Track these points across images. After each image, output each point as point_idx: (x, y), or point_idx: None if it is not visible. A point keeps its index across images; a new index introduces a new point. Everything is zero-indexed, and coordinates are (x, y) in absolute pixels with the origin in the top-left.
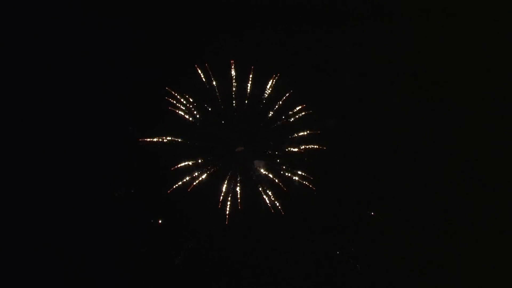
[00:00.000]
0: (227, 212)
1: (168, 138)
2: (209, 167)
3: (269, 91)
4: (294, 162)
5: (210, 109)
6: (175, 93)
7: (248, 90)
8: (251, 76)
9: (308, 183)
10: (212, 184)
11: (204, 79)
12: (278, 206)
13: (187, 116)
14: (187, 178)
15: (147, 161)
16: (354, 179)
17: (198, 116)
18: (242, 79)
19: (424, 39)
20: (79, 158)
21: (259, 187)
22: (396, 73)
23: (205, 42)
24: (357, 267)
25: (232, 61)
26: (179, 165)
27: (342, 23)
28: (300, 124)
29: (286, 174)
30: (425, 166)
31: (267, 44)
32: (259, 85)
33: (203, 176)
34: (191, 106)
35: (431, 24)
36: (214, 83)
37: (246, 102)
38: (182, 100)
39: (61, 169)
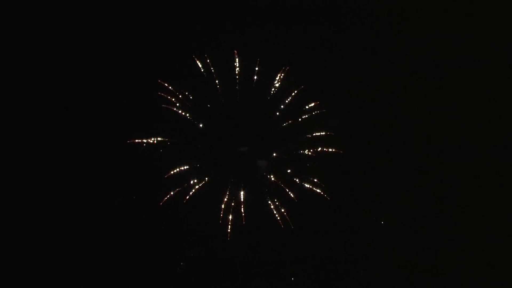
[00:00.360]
0: (229, 227)
1: (161, 138)
2: (209, 173)
3: (278, 86)
4: (305, 166)
5: (209, 106)
6: (169, 87)
7: (254, 85)
8: (257, 69)
9: (321, 190)
10: (212, 193)
11: (203, 72)
12: (287, 219)
13: (183, 114)
14: (184, 186)
15: (137, 165)
16: (374, 186)
17: (196, 113)
18: (246, 72)
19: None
20: (61, 163)
21: (267, 197)
22: (421, 71)
23: (204, 31)
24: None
25: (235, 52)
26: (173, 171)
27: (359, 17)
28: (313, 123)
29: (296, 180)
30: (451, 172)
31: (275, 35)
32: (266, 79)
33: (201, 184)
34: (188, 103)
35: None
36: (214, 76)
37: (251, 98)
38: (177, 94)
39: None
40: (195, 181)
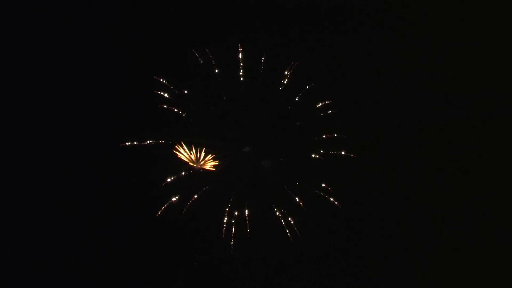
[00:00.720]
0: (232, 240)
1: (157, 141)
2: (210, 178)
3: (285, 83)
4: (314, 171)
5: (211, 104)
6: (166, 84)
7: (259, 81)
8: (262, 65)
9: (331, 198)
10: (214, 201)
11: (204, 68)
12: (295, 230)
13: (182, 114)
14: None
15: (130, 171)
16: (388, 194)
17: (196, 113)
18: (251, 68)
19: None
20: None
21: (273, 206)
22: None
23: (204, 24)
24: None
25: (239, 45)
26: (171, 178)
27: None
28: (323, 124)
29: (305, 186)
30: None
31: (283, 29)
32: (273, 76)
33: (202, 191)
34: (187, 101)
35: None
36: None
37: (255, 95)
38: (175, 91)
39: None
40: (196, 187)
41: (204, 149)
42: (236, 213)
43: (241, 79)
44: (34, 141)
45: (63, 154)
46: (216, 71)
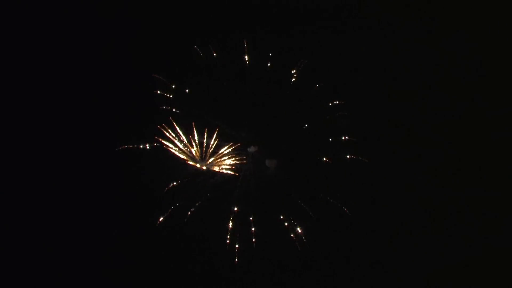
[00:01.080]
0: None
1: (157, 144)
2: (213, 183)
3: (293, 82)
4: (324, 176)
5: (214, 103)
6: (166, 83)
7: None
8: (269, 63)
9: (341, 204)
10: (217, 209)
11: (207, 67)
12: (302, 237)
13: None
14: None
15: (128, 176)
16: (400, 200)
17: (198, 112)
18: (257, 66)
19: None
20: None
21: (280, 214)
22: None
23: (205, 20)
24: None
25: (245, 42)
26: (173, 184)
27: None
28: (332, 126)
29: (312, 190)
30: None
31: (290, 27)
32: (280, 74)
33: (204, 199)
34: (189, 101)
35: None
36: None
37: (262, 94)
38: (173, 87)
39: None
40: (198, 190)
41: (211, 147)
42: (240, 220)
43: (247, 77)
44: (28, 143)
45: (59, 157)
46: (220, 69)
